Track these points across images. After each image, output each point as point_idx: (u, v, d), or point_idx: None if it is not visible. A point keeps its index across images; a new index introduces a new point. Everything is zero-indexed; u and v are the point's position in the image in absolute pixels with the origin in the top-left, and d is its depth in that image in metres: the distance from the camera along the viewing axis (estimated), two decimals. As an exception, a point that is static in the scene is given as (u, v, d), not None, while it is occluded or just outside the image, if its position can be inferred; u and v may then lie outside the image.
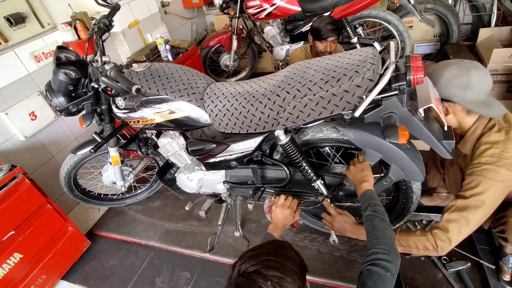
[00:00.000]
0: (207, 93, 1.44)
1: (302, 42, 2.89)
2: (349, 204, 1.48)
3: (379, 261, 0.91)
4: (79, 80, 1.52)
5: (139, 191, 2.36)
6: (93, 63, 1.45)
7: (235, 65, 3.45)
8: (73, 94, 1.55)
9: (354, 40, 2.62)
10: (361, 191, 1.20)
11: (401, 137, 1.06)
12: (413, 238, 1.24)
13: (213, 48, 3.41)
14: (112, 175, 1.99)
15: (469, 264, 1.54)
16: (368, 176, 1.24)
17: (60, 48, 1.52)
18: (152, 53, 2.74)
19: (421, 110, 1.14)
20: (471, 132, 1.28)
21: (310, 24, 2.57)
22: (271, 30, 2.99)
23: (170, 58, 2.72)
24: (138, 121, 1.50)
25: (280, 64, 3.27)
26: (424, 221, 1.82)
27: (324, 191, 1.47)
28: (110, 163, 1.91)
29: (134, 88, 1.19)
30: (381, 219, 1.06)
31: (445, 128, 1.21)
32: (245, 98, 1.32)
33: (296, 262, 0.79)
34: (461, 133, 1.34)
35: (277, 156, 1.55)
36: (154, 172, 2.27)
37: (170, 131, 1.65)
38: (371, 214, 1.08)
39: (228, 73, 3.72)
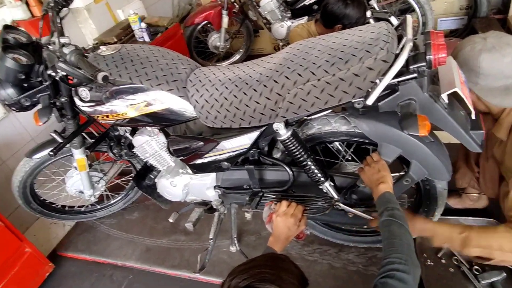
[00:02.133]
0: (191, 80, 1.46)
1: (306, 17, 2.90)
2: (364, 209, 1.51)
3: (394, 272, 0.93)
4: (32, 67, 1.49)
5: (112, 201, 2.37)
6: (49, 46, 1.44)
7: (226, 46, 3.46)
8: (25, 85, 1.52)
9: (368, 14, 2.64)
10: (378, 194, 1.22)
11: (422, 128, 1.08)
12: (496, 236, 1.22)
13: (200, 26, 3.43)
14: (78, 182, 2.00)
15: (505, 274, 1.58)
16: (385, 176, 1.27)
17: (8, 28, 1.48)
18: (125, 33, 2.75)
19: (444, 96, 1.16)
20: (507, 113, 1.32)
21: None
22: (269, 4, 3.00)
23: (147, 38, 2.72)
24: (108, 116, 1.52)
25: (281, 44, 3.29)
26: None
27: (334, 195, 1.49)
28: (76, 168, 1.92)
29: (100, 76, 1.18)
30: (399, 224, 1.08)
31: (473, 117, 1.24)
32: (236, 86, 1.34)
33: (294, 274, 0.81)
34: (494, 116, 1.37)
35: (277, 155, 1.57)
36: (131, 178, 2.28)
37: (147, 127, 1.65)
38: (388, 219, 1.11)
39: (218, 56, 3.74)
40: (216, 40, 3.45)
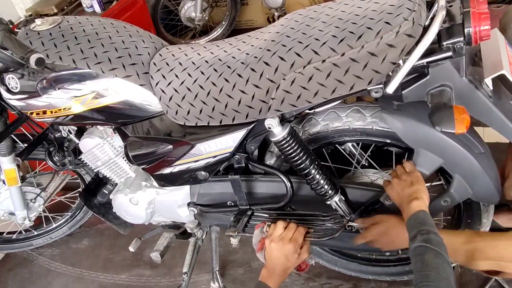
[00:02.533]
0: (155, 64, 1.46)
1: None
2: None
3: None
4: None
5: (54, 225, 2.36)
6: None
7: (204, 17, 3.47)
8: None
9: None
10: (410, 214, 1.23)
11: (459, 123, 1.08)
12: (509, 244, 1.23)
13: (168, -9, 3.44)
14: (7, 201, 1.98)
15: None
16: (420, 191, 1.27)
17: None
18: (68, 2, 2.75)
19: (488, 81, 1.17)
20: None
21: None
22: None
23: (97, 8, 2.75)
24: (45, 112, 1.51)
25: (276, 14, 3.31)
26: None
27: (347, 212, 1.50)
28: (3, 182, 1.90)
29: (33, 59, 1.17)
30: (436, 252, 1.09)
31: None
32: (215, 70, 1.33)
33: None
34: None
35: (271, 161, 1.57)
36: (78, 194, 2.24)
37: (98, 126, 1.65)
38: (422, 246, 1.11)
39: (194, 31, 3.74)
40: (191, 9, 3.46)
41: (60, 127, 1.81)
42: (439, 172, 1.47)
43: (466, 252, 1.27)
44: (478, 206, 1.47)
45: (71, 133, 1.80)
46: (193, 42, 3.81)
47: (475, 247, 1.26)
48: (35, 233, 2.35)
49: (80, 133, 1.76)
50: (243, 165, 1.55)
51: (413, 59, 1.09)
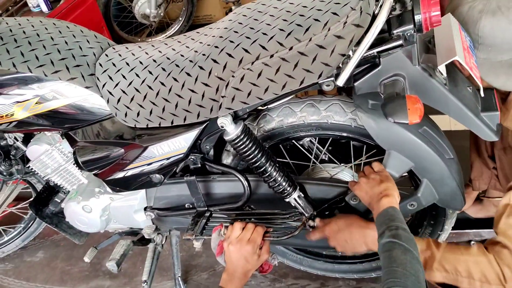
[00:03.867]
0: (101, 65, 1.44)
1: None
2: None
3: None
4: None
5: (6, 238, 2.32)
6: None
7: (159, 14, 3.43)
8: None
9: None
10: (380, 211, 1.22)
11: (412, 113, 1.09)
12: (466, 259, 1.25)
13: (120, -12, 3.39)
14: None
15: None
16: (390, 189, 1.27)
17: None
18: (13, 2, 2.69)
19: (442, 68, 1.18)
20: None
21: None
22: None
23: (45, 8, 2.69)
24: (-15, 119, 1.47)
25: (234, 8, 3.27)
26: (472, 242, 1.90)
27: (307, 209, 1.49)
28: None
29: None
30: (404, 248, 1.08)
31: (482, 93, 1.26)
32: (163, 69, 1.32)
33: None
34: (501, 95, 1.41)
35: (228, 160, 1.57)
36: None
37: (45, 132, 1.62)
38: (390, 242, 1.10)
39: (150, 28, 3.69)
40: (145, 5, 3.42)
41: (6, 135, 1.78)
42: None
43: (424, 260, 1.28)
44: (442, 209, 1.50)
45: (17, 140, 1.77)
46: (150, 39, 3.77)
47: (433, 257, 1.28)
48: (-14, 248, 2.31)
49: (27, 139, 1.73)
50: (199, 165, 1.54)
51: (362, 50, 1.09)
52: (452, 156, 1.36)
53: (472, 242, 1.88)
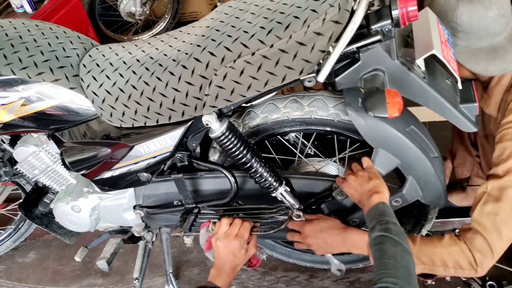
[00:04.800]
0: (85, 65, 1.44)
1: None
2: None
3: None
4: None
5: (-4, 240, 2.32)
6: None
7: (145, 12, 3.42)
8: None
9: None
10: (370, 207, 1.26)
11: (391, 107, 1.10)
12: (439, 251, 1.31)
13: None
14: None
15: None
16: (379, 185, 1.30)
17: None
18: (-4, 3, 2.68)
19: (420, 62, 1.21)
20: (496, 81, 1.39)
21: None
22: None
23: (29, 9, 2.68)
24: (-29, 122, 1.47)
25: (219, 4, 3.27)
26: (456, 230, 1.94)
27: (293, 203, 1.52)
28: None
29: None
30: (395, 241, 1.11)
31: (459, 86, 1.29)
32: (147, 69, 1.33)
33: None
34: (482, 84, 1.45)
35: (214, 157, 1.58)
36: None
37: (32, 133, 1.62)
38: (380, 235, 1.14)
39: (136, 26, 3.68)
40: (130, 3, 3.41)
41: (-8, 137, 1.77)
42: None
43: None
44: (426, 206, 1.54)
45: (4, 142, 1.78)
46: (136, 37, 3.76)
47: (414, 252, 1.32)
48: (-25, 249, 2.31)
49: (14, 141, 1.74)
50: (186, 163, 1.56)
51: (341, 46, 1.11)
52: (436, 154, 1.39)
53: (457, 230, 1.93)
